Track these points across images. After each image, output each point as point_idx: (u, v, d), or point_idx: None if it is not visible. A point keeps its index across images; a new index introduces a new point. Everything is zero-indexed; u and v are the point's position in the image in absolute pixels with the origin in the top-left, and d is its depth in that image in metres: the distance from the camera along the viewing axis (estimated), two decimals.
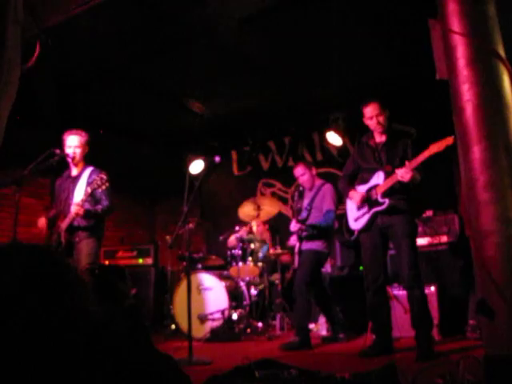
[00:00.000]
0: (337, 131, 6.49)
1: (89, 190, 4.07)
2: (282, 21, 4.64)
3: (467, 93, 2.45)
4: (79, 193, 4.27)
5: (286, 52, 5.26)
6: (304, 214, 4.85)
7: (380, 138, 3.91)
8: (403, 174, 3.53)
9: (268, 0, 4.33)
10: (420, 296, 3.61)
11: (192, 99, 6.47)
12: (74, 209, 4.10)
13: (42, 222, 4.39)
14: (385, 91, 6.01)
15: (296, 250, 4.79)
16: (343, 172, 4.25)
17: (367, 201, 3.83)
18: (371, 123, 3.87)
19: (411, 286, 3.62)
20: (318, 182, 4.94)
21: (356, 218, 3.93)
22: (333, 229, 4.82)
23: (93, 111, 6.36)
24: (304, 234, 4.69)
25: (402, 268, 3.66)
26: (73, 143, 4.37)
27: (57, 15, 4.11)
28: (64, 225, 4.22)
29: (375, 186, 3.78)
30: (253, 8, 4.42)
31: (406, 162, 3.58)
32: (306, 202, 4.90)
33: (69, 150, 4.36)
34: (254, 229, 6.46)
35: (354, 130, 6.42)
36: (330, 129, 6.53)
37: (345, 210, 4.16)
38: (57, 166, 4.29)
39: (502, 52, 2.53)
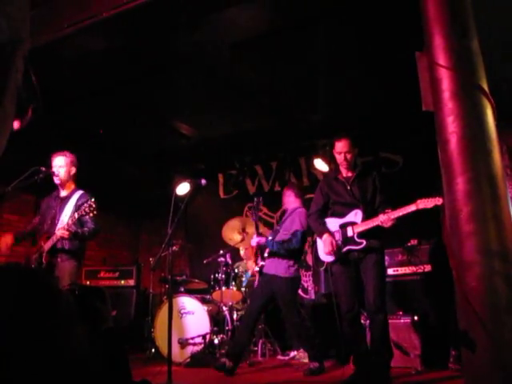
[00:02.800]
0: (324, 157, 6.55)
1: (76, 215, 4.04)
2: (272, 47, 4.71)
3: (452, 125, 2.49)
4: (66, 215, 4.25)
5: (274, 77, 5.32)
6: (273, 235, 4.84)
7: (347, 173, 3.98)
8: (386, 220, 3.55)
9: (258, 27, 4.40)
10: (382, 321, 3.61)
11: (180, 121, 6.49)
12: (59, 232, 4.07)
13: (8, 240, 4.34)
14: (373, 119, 6.11)
15: (258, 267, 4.75)
16: (312, 208, 4.16)
17: (342, 237, 3.80)
18: (339, 157, 3.97)
19: (375, 310, 3.61)
20: (295, 206, 4.91)
21: (329, 254, 3.86)
22: (300, 251, 4.74)
23: (80, 130, 6.34)
24: (267, 250, 4.68)
25: (367, 294, 3.65)
26: (57, 163, 4.39)
27: (48, 33, 4.13)
28: (47, 246, 4.16)
29: (351, 223, 3.78)
30: (243, 34, 4.48)
31: (389, 211, 3.57)
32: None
33: (54, 170, 4.37)
34: (242, 253, 6.42)
35: None
36: (316, 155, 6.58)
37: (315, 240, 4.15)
38: (41, 183, 4.24)
39: (485, 86, 2.59)
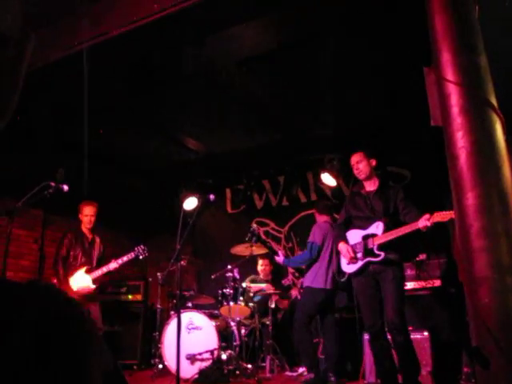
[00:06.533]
0: (331, 172, 6.55)
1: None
2: (279, 62, 4.74)
3: (461, 140, 2.49)
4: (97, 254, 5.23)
5: (282, 92, 5.35)
6: None
7: (370, 187, 4.00)
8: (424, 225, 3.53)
9: (265, 43, 4.44)
10: (404, 342, 3.59)
11: (188, 136, 6.52)
12: (113, 265, 4.96)
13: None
14: (380, 134, 6.11)
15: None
16: (339, 220, 4.33)
17: (363, 248, 3.84)
18: (354, 171, 4.02)
19: (394, 330, 3.61)
20: (317, 221, 5.19)
21: (349, 261, 3.93)
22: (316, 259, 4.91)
23: (88, 145, 6.37)
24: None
25: (386, 312, 3.66)
26: (90, 212, 5.16)
27: (58, 51, 4.19)
28: (95, 275, 4.97)
29: (372, 235, 3.80)
30: (250, 50, 4.52)
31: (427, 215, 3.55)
32: None
33: (85, 219, 5.17)
34: (260, 268, 6.43)
35: (349, 172, 6.49)
36: (324, 169, 6.58)
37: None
38: (50, 198, 4.26)
39: (493, 101, 2.58)
